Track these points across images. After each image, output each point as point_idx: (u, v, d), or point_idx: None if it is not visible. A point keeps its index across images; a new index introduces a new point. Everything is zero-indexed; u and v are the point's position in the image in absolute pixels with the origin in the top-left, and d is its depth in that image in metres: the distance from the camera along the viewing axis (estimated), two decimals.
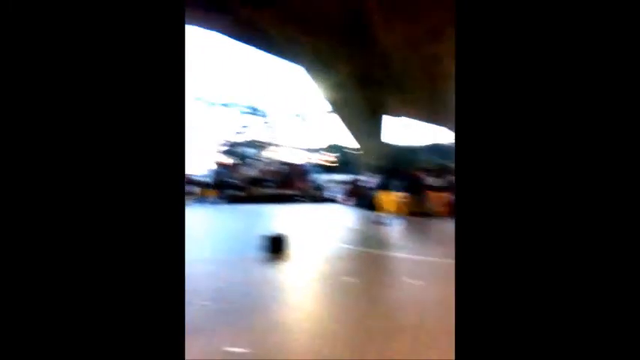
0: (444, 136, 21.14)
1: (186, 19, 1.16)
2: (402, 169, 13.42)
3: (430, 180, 10.29)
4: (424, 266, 4.43)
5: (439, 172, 10.56)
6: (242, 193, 17.74)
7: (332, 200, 17.15)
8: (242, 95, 29.17)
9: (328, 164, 28.06)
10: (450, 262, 4.58)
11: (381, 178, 8.75)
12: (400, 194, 8.63)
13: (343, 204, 15.02)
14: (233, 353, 2.14)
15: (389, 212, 8.30)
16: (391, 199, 8.45)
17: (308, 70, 15.99)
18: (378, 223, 8.23)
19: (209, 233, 7.24)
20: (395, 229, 7.70)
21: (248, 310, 2.86)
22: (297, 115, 28.14)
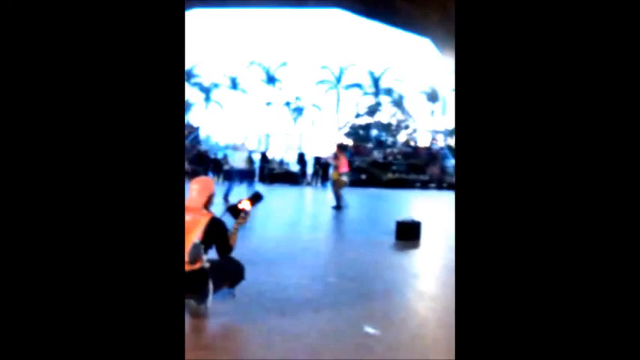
0: None
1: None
2: None
3: None
4: None
5: None
6: (365, 177, 17.83)
7: None
8: (367, 73, 29.12)
9: None
10: None
11: None
12: None
13: None
14: (370, 334, 2.21)
15: None
16: None
17: (435, 42, 14.81)
18: None
19: (336, 215, 7.55)
20: None
21: (381, 294, 2.92)
22: (426, 93, 26.83)
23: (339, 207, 7.77)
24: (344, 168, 8.02)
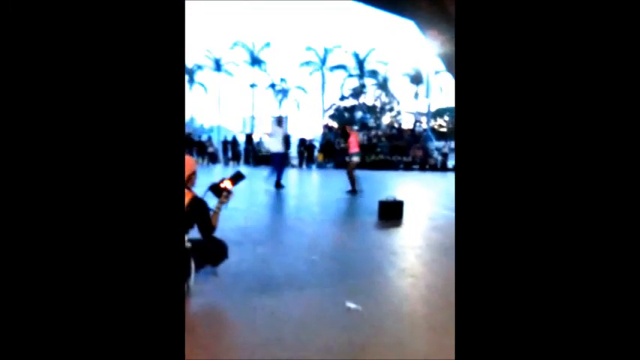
0: None
1: None
2: None
3: None
4: None
5: None
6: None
7: (449, 168, 16.19)
8: (351, 55, 28.76)
9: (443, 129, 26.32)
10: None
11: None
12: None
13: None
14: (352, 309, 2.26)
15: None
16: None
17: (419, 24, 14.67)
18: None
19: (319, 196, 7.56)
20: None
21: (364, 271, 2.97)
22: (410, 76, 26.75)
23: (354, 191, 7.40)
24: (354, 148, 7.60)
